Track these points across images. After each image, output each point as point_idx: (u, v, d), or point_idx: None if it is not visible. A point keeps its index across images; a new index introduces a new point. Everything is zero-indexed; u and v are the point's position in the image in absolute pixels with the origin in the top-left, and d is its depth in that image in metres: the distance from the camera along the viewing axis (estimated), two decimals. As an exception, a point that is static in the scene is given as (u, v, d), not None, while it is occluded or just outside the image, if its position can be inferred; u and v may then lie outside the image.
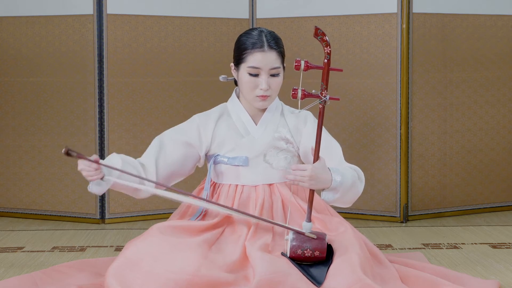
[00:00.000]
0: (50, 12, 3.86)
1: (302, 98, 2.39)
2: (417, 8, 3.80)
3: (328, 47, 2.38)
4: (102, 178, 2.45)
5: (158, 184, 2.53)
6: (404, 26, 3.78)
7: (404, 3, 3.76)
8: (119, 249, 3.24)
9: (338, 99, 2.45)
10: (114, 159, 2.53)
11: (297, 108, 2.50)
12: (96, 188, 2.48)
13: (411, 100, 3.83)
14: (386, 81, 3.83)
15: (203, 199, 2.54)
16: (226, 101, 2.72)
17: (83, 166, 2.42)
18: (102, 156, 3.82)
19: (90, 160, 2.40)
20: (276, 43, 2.57)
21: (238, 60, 2.59)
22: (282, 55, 2.59)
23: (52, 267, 2.74)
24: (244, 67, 2.57)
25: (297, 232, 2.38)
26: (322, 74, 2.40)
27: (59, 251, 3.26)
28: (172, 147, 2.63)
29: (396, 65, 3.81)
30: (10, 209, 4.00)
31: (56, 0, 3.84)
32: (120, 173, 2.47)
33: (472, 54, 3.97)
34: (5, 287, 2.53)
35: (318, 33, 2.37)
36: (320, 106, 2.41)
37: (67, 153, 2.37)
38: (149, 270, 2.27)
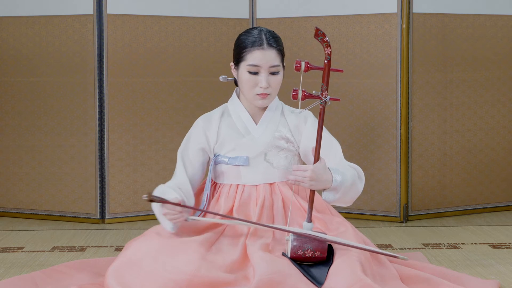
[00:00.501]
0: (50, 12, 3.86)
1: (302, 99, 2.39)
2: (417, 8, 3.80)
3: (329, 48, 2.38)
4: (185, 220, 2.44)
5: (224, 217, 2.51)
6: (404, 26, 3.78)
7: (404, 3, 3.76)
8: (119, 249, 3.24)
9: (338, 100, 2.45)
10: (168, 192, 2.50)
11: (297, 108, 2.51)
12: (171, 226, 2.46)
13: (411, 100, 3.83)
14: (386, 81, 3.83)
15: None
16: (226, 101, 2.72)
17: (168, 210, 2.40)
18: (102, 157, 3.82)
19: (173, 204, 2.38)
20: (275, 42, 2.58)
21: (237, 58, 2.60)
22: (281, 53, 2.59)
23: (52, 267, 2.74)
24: (243, 65, 2.57)
25: (299, 235, 2.37)
26: (322, 75, 2.40)
27: (59, 251, 3.26)
28: (193, 156, 2.65)
29: (396, 65, 3.81)
30: (10, 209, 4.00)
31: (56, 0, 3.84)
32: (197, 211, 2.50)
33: (472, 54, 3.97)
34: (5, 287, 2.53)
35: (319, 34, 2.37)
36: (321, 106, 2.41)
37: (150, 200, 2.36)
38: (149, 270, 2.27)
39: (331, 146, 2.63)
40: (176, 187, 2.54)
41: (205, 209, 2.57)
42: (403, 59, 3.79)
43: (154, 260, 2.29)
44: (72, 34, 3.84)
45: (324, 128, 2.54)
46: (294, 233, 2.37)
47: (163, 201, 2.38)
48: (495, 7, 3.99)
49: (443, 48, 3.90)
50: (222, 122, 2.65)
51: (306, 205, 2.52)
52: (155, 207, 2.49)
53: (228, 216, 2.51)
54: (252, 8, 4.03)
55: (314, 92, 2.40)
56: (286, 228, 2.45)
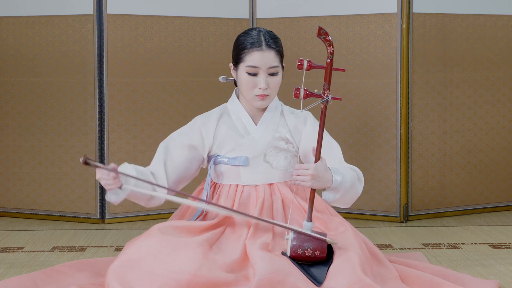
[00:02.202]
0: (50, 12, 3.86)
1: (304, 98, 2.39)
2: (417, 8, 3.80)
3: (331, 47, 2.38)
4: (120, 187, 2.43)
5: (170, 190, 2.53)
6: (404, 26, 3.78)
7: (404, 3, 3.76)
8: (119, 249, 3.24)
9: (340, 99, 2.45)
10: (127, 168, 2.52)
11: (298, 108, 2.50)
12: (113, 197, 2.47)
13: (411, 100, 3.83)
14: (386, 81, 3.83)
15: (216, 204, 2.53)
16: (226, 101, 2.72)
17: (102, 175, 2.40)
18: (102, 157, 3.82)
19: (108, 169, 2.38)
20: (274, 42, 2.57)
21: (236, 60, 2.60)
22: (280, 54, 2.59)
23: (52, 267, 2.73)
24: (242, 66, 2.57)
25: (299, 232, 2.37)
26: (324, 74, 2.40)
27: (59, 251, 3.26)
28: (177, 151, 2.63)
29: (396, 65, 3.81)
30: (10, 209, 4.00)
31: (56, 0, 3.84)
32: (136, 182, 2.47)
33: (472, 54, 3.97)
34: (5, 287, 2.53)
35: (321, 33, 2.38)
36: (322, 105, 2.41)
37: (85, 162, 2.34)
38: (149, 269, 2.27)
39: (331, 148, 2.63)
40: (143, 168, 2.54)
41: (204, 210, 2.57)
42: (403, 59, 3.79)
43: (154, 259, 2.29)
44: (72, 34, 3.84)
45: (324, 130, 2.54)
46: (295, 230, 2.37)
47: (97, 165, 2.36)
48: (495, 7, 3.99)
49: (443, 48, 3.90)
50: (220, 122, 2.65)
51: (305, 205, 2.52)
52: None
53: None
54: (252, 8, 4.03)
55: (316, 91, 2.40)
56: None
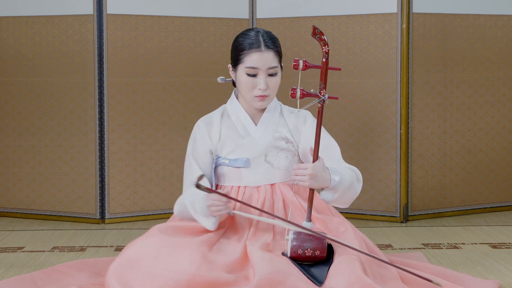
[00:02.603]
0: (50, 12, 3.86)
1: (301, 98, 2.39)
2: (417, 8, 3.80)
3: (326, 46, 2.39)
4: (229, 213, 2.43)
5: (270, 215, 2.48)
6: (404, 26, 3.78)
7: (404, 3, 3.76)
8: (119, 249, 3.24)
9: (336, 98, 2.45)
10: (207, 182, 2.49)
11: (296, 108, 2.51)
12: (215, 223, 2.43)
13: (411, 100, 3.83)
14: (386, 81, 3.83)
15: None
16: (226, 101, 2.72)
17: (213, 201, 2.39)
18: (102, 157, 3.82)
19: (221, 194, 2.37)
20: (273, 43, 2.57)
21: (235, 61, 2.59)
22: (279, 54, 2.59)
23: (52, 267, 2.74)
24: (241, 67, 2.57)
25: (299, 232, 2.37)
26: (320, 73, 2.40)
27: (59, 251, 3.26)
28: (202, 160, 2.62)
29: (396, 65, 3.81)
30: (10, 209, 4.00)
31: (56, 0, 3.84)
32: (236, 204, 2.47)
33: (472, 54, 3.97)
34: (5, 287, 2.53)
35: (316, 33, 2.38)
36: (319, 105, 2.41)
37: (197, 187, 2.30)
38: (149, 269, 2.27)
39: (330, 147, 2.63)
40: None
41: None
42: (403, 59, 3.79)
43: (155, 259, 2.29)
44: (72, 34, 3.84)
45: (323, 129, 2.54)
46: (299, 227, 2.37)
47: (210, 190, 2.34)
48: (495, 7, 3.99)
49: (443, 48, 3.90)
50: (222, 123, 2.65)
51: (306, 205, 2.51)
52: (190, 206, 2.44)
53: (269, 213, 2.48)
54: (252, 8, 4.03)
55: (312, 90, 2.40)
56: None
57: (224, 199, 2.38)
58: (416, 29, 3.81)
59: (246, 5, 4.02)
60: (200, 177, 2.28)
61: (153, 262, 2.29)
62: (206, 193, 2.37)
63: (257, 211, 2.48)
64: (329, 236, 2.38)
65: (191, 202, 2.47)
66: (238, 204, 2.48)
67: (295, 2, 3.97)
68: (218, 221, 2.45)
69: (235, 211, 2.45)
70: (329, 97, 2.41)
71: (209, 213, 2.42)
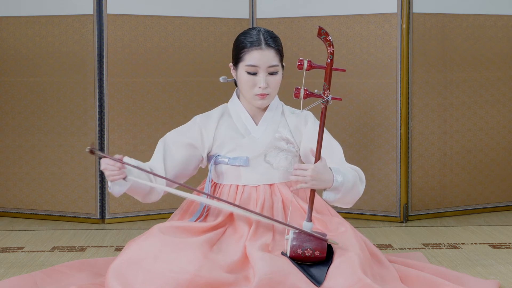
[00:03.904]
0: (50, 12, 3.86)
1: (304, 98, 2.39)
2: (417, 8, 3.80)
3: (331, 47, 2.38)
4: (124, 179, 2.43)
5: (171, 182, 2.53)
6: (404, 26, 3.78)
7: (404, 3, 3.76)
8: (119, 249, 3.24)
9: (340, 99, 2.45)
10: (130, 161, 2.51)
11: (298, 108, 2.50)
12: (117, 188, 2.47)
13: (411, 100, 3.83)
14: (386, 81, 3.83)
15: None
16: (226, 101, 2.72)
17: (107, 166, 2.41)
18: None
19: (114, 159, 2.39)
20: (273, 41, 2.57)
21: (236, 59, 2.60)
22: (280, 53, 2.59)
23: (52, 267, 2.73)
24: (242, 66, 2.57)
25: (299, 232, 2.37)
26: (324, 74, 2.40)
27: (59, 251, 3.26)
28: (176, 149, 2.63)
29: (396, 65, 3.81)
30: (10, 209, 4.00)
31: (56, 0, 3.84)
32: (138, 173, 2.47)
33: (472, 54, 3.97)
34: (5, 287, 2.53)
35: (322, 33, 2.37)
36: (322, 106, 2.41)
37: (91, 152, 2.35)
38: (150, 269, 2.27)
39: (332, 147, 2.63)
40: (142, 163, 2.54)
41: (205, 210, 2.57)
42: (403, 59, 3.79)
43: (155, 259, 2.29)
44: (72, 34, 3.84)
45: (325, 130, 2.53)
46: (296, 228, 2.37)
47: (103, 156, 2.37)
48: (495, 7, 3.99)
49: (443, 48, 3.90)
50: (221, 122, 2.65)
51: (305, 206, 2.51)
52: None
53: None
54: (252, 8, 4.03)
55: (316, 91, 2.40)
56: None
57: (118, 164, 2.39)
58: (416, 29, 3.81)
59: (246, 5, 4.03)
60: (93, 143, 2.33)
61: (153, 262, 2.29)
62: (102, 158, 2.40)
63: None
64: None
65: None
66: (136, 172, 2.47)
67: (295, 2, 3.97)
68: (125, 188, 2.46)
69: (132, 178, 2.44)
70: (332, 98, 2.41)
71: (106, 178, 2.45)
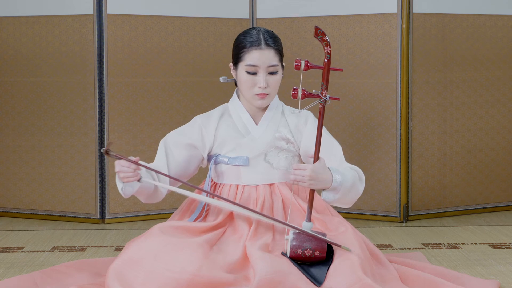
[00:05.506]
0: (50, 12, 3.86)
1: (302, 98, 2.39)
2: (417, 8, 3.80)
3: (328, 47, 2.38)
4: (139, 180, 2.44)
5: (179, 181, 2.54)
6: (404, 26, 3.78)
7: (404, 3, 3.76)
8: (119, 249, 3.24)
9: (338, 99, 2.45)
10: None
11: (297, 108, 2.50)
12: (129, 190, 2.47)
13: (411, 100, 3.83)
14: (386, 81, 3.83)
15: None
16: (226, 101, 2.73)
17: (122, 168, 2.41)
18: (102, 157, 3.82)
19: (130, 161, 2.39)
20: (273, 41, 2.58)
21: (236, 59, 2.60)
22: (280, 53, 2.59)
23: (52, 267, 2.73)
24: (242, 65, 2.57)
25: (299, 232, 2.37)
26: (322, 74, 2.40)
27: (59, 251, 3.26)
28: (177, 150, 2.64)
29: (396, 65, 3.81)
30: (10, 209, 4.00)
31: (56, 0, 3.84)
32: (147, 174, 2.49)
33: (472, 54, 3.97)
34: (5, 287, 2.53)
35: (318, 33, 2.38)
36: (321, 106, 2.41)
37: (106, 153, 2.35)
38: (150, 269, 2.27)
39: (332, 147, 2.63)
40: (151, 165, 2.55)
41: (205, 210, 2.57)
42: (403, 59, 3.79)
43: (155, 259, 2.29)
44: (72, 34, 3.84)
45: (325, 129, 2.54)
46: (296, 228, 2.37)
47: (119, 156, 2.37)
48: (495, 7, 3.99)
49: (443, 48, 3.90)
50: (221, 122, 2.65)
51: (305, 206, 2.51)
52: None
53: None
54: (252, 8, 4.03)
55: (314, 91, 2.40)
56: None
57: (134, 166, 2.40)
58: (416, 29, 3.81)
59: (246, 5, 4.03)
60: (109, 144, 2.33)
61: (153, 261, 2.29)
62: (117, 159, 2.41)
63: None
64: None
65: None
66: (147, 172, 2.49)
67: (295, 2, 3.97)
68: (136, 189, 2.48)
69: (146, 179, 2.46)
70: (330, 98, 2.41)
71: (120, 179, 2.46)
